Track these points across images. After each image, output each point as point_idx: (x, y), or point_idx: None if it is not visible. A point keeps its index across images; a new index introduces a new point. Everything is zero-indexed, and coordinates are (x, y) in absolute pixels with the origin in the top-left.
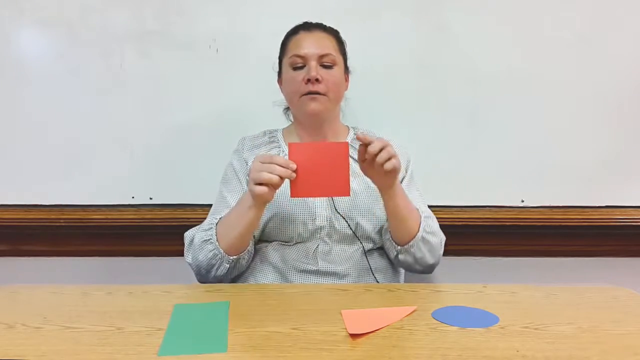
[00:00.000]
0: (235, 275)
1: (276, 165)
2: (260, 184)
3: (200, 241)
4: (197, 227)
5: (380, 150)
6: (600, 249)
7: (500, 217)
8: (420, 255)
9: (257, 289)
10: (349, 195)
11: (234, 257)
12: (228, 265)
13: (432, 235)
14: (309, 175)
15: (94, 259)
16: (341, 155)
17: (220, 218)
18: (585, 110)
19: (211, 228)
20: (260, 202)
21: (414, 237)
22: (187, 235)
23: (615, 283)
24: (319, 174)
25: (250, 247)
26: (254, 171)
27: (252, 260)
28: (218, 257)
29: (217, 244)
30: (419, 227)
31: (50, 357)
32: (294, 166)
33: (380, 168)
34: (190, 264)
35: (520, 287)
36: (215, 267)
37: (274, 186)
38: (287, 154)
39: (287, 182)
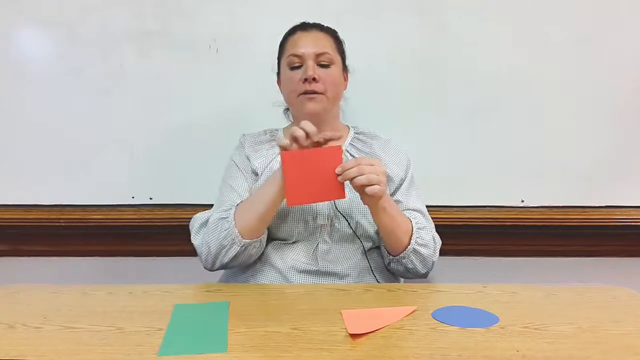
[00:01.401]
0: (240, 269)
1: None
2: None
3: (216, 219)
4: (211, 210)
5: (359, 173)
6: (600, 249)
7: (500, 217)
8: (412, 266)
9: (257, 289)
10: (344, 197)
11: (247, 240)
12: (238, 249)
13: (424, 247)
14: (304, 182)
15: (94, 259)
16: (335, 160)
17: (241, 201)
18: (585, 110)
19: (231, 208)
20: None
21: (405, 249)
22: (199, 216)
23: (615, 283)
24: (314, 180)
25: (263, 239)
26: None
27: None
28: (230, 237)
29: (233, 223)
30: (410, 240)
31: (50, 357)
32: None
33: (358, 189)
34: (198, 246)
35: (520, 287)
36: (225, 249)
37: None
38: None
39: None
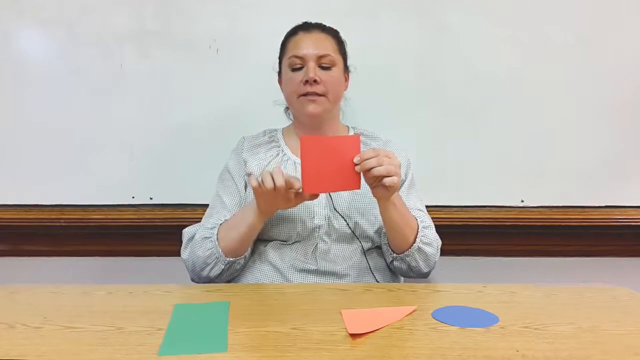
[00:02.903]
0: (226, 281)
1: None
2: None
3: (201, 238)
4: (198, 224)
5: (378, 164)
6: (600, 249)
7: (500, 217)
8: (415, 264)
9: (257, 289)
10: (359, 188)
11: (230, 259)
12: (223, 267)
13: (429, 246)
14: (320, 170)
15: (94, 259)
16: (353, 149)
17: (225, 220)
18: (585, 110)
19: (214, 227)
20: (263, 209)
21: (410, 247)
22: (187, 231)
23: (615, 283)
24: (330, 168)
25: (247, 253)
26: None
27: (251, 259)
28: (215, 256)
29: (216, 242)
30: (416, 238)
31: (50, 357)
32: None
33: (374, 180)
34: (185, 260)
35: (520, 287)
36: (209, 266)
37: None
38: (285, 153)
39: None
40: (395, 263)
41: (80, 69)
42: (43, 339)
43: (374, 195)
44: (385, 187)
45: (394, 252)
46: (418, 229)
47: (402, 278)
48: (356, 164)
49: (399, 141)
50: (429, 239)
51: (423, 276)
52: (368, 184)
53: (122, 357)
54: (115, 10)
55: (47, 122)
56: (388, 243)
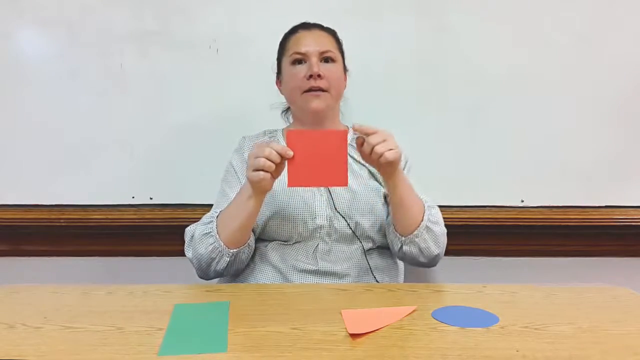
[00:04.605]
0: (235, 274)
1: (272, 150)
2: (257, 170)
3: (200, 234)
4: (198, 222)
5: (381, 141)
6: (600, 249)
7: (500, 217)
8: (425, 245)
9: (257, 288)
10: (346, 185)
11: (234, 250)
12: (228, 259)
13: (436, 224)
14: (306, 164)
15: (94, 259)
16: (340, 144)
17: (220, 211)
18: (585, 110)
19: (211, 221)
20: (259, 190)
21: (418, 226)
22: (188, 230)
23: (615, 283)
24: (316, 162)
25: (251, 242)
26: (251, 157)
27: (252, 260)
28: (218, 250)
29: (217, 236)
30: (423, 216)
31: (50, 357)
32: (291, 153)
33: (378, 158)
34: (191, 259)
35: (520, 287)
36: (215, 261)
37: (271, 173)
38: None
39: (285, 175)
40: (405, 247)
41: (80, 69)
42: (43, 339)
43: (381, 174)
44: (389, 162)
45: (402, 236)
46: (425, 207)
47: (402, 278)
48: (357, 130)
49: (397, 141)
50: (436, 218)
51: (434, 260)
52: (374, 166)
53: (122, 357)
54: (115, 10)
55: (47, 122)
56: (394, 228)
